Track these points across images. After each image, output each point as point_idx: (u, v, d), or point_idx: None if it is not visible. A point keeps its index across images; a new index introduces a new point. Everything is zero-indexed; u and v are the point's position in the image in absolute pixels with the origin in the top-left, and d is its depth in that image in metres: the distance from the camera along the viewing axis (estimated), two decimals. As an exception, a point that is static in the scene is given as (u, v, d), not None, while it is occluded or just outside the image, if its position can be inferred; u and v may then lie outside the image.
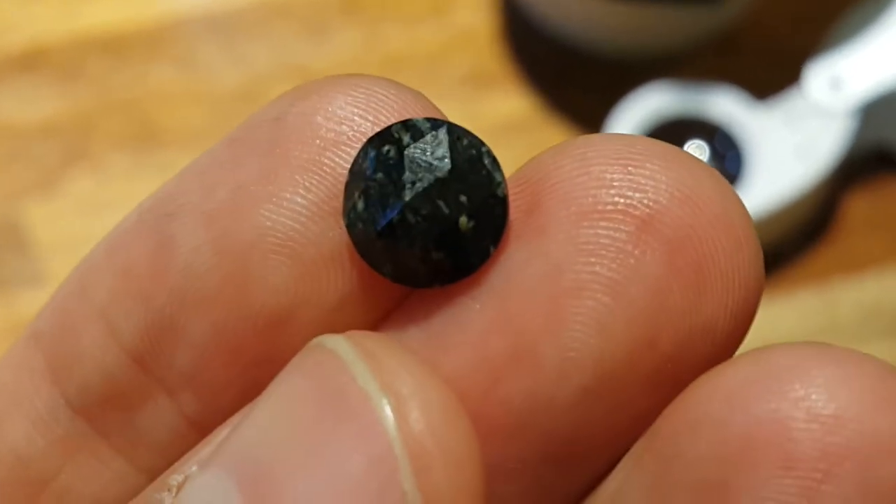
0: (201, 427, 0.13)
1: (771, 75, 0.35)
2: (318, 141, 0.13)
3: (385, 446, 0.11)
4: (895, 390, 0.11)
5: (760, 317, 0.38)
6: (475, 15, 0.38)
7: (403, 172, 0.12)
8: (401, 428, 0.11)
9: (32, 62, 0.37)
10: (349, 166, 0.13)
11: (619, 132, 0.33)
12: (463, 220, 0.12)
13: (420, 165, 0.12)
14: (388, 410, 0.11)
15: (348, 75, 0.13)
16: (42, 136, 0.36)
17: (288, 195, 0.13)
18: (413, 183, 0.12)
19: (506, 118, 0.36)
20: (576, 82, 0.37)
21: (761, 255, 0.12)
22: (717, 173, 0.12)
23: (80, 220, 0.35)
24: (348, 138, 0.13)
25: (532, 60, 0.37)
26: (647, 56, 0.36)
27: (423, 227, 0.12)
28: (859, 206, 0.35)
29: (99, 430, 0.14)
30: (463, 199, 0.12)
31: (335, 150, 0.13)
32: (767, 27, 0.37)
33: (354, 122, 0.13)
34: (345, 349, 0.12)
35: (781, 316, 0.34)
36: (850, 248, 0.35)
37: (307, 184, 0.13)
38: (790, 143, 0.33)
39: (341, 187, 0.13)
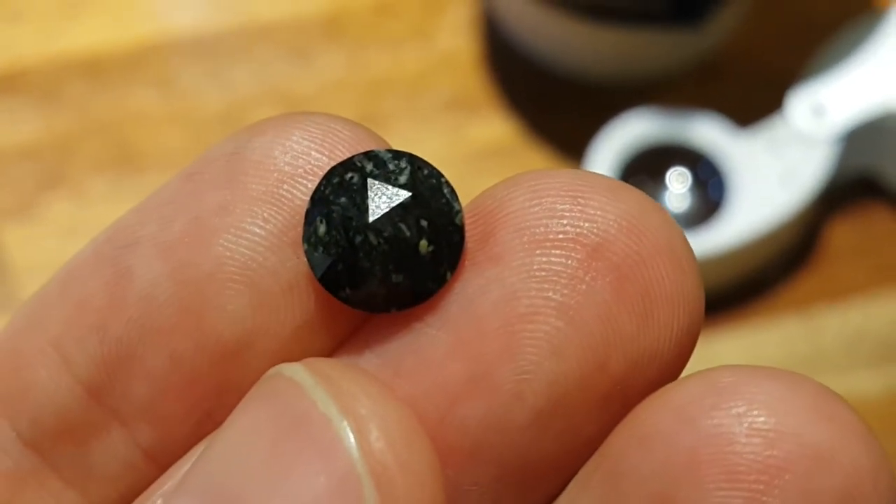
0: (156, 459, 0.14)
1: (753, 102, 0.35)
2: (275, 174, 0.13)
3: (348, 466, 0.11)
4: (831, 407, 0.12)
5: (744, 343, 0.38)
6: (458, 39, 0.38)
7: (367, 197, 0.13)
8: (362, 448, 0.11)
9: (11, 84, 0.37)
10: (306, 198, 0.13)
11: (600, 159, 0.33)
12: (423, 243, 0.13)
13: (383, 191, 0.13)
14: (348, 432, 0.11)
15: (303, 112, 0.13)
16: (20, 159, 0.36)
17: (246, 226, 0.13)
18: (376, 206, 0.13)
19: (488, 143, 0.36)
20: (558, 107, 0.37)
21: (702, 283, 0.13)
22: (660, 206, 0.13)
23: (58, 243, 0.35)
24: (305, 171, 0.13)
25: (515, 85, 0.37)
26: (630, 81, 0.36)
27: (384, 248, 0.13)
28: (843, 234, 0.35)
29: (50, 463, 0.14)
30: (424, 223, 0.13)
31: (292, 182, 0.13)
32: (750, 54, 0.37)
33: (311, 156, 0.13)
34: (303, 376, 0.12)
35: (765, 343, 0.34)
36: (834, 276, 0.35)
37: (265, 215, 0.13)
38: (773, 171, 0.33)
39: (298, 219, 0.13)
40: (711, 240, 0.32)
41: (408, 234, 0.13)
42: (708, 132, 0.33)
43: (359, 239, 0.13)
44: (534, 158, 0.36)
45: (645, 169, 0.33)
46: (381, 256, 0.13)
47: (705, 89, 0.36)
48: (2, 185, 0.35)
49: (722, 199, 0.33)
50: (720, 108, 0.34)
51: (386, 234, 0.13)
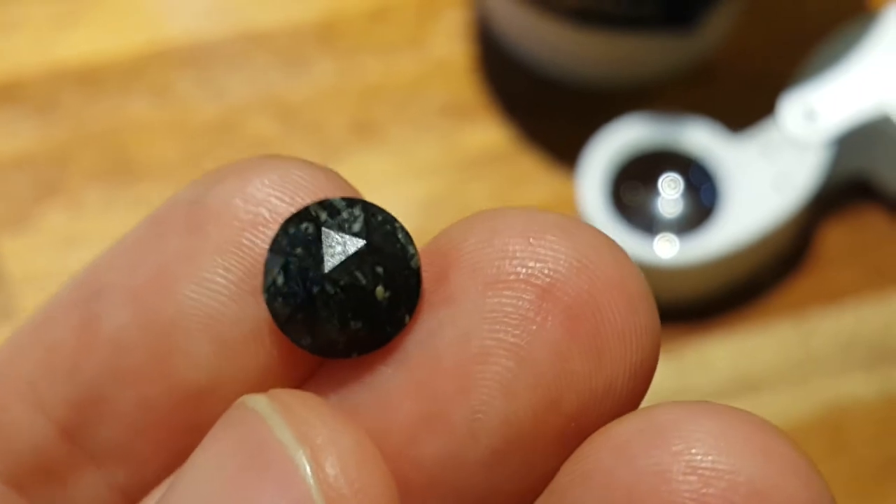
0: (130, 497, 0.14)
1: (745, 107, 0.35)
2: (236, 222, 0.13)
3: (304, 493, 0.12)
4: (770, 443, 0.12)
5: (738, 348, 0.38)
6: (452, 46, 0.38)
7: (322, 247, 0.13)
8: (317, 475, 0.12)
9: (7, 94, 0.37)
10: (265, 246, 0.13)
11: (593, 165, 0.33)
12: (379, 290, 0.13)
13: (337, 240, 0.13)
14: (304, 460, 0.12)
15: (263, 157, 0.14)
16: (16, 169, 0.36)
17: (208, 275, 0.13)
18: (331, 256, 0.13)
19: (482, 149, 0.36)
20: (552, 113, 0.37)
21: (657, 317, 0.13)
22: (613, 241, 0.13)
23: (54, 254, 0.35)
24: (265, 219, 0.13)
25: (508, 91, 0.37)
26: (623, 87, 0.36)
27: (341, 297, 0.13)
28: (836, 237, 0.35)
29: (30, 501, 0.14)
30: (379, 270, 0.13)
31: (253, 231, 0.13)
32: (741, 59, 0.37)
33: (271, 203, 0.13)
34: (262, 405, 0.12)
35: (758, 347, 0.34)
36: (827, 279, 0.35)
37: (227, 264, 0.13)
38: (766, 175, 0.33)
39: (259, 267, 0.13)
40: (704, 245, 0.32)
41: (363, 281, 0.13)
42: (700, 137, 0.33)
43: (316, 289, 0.13)
44: (527, 164, 0.36)
45: (637, 174, 0.33)
46: (338, 305, 0.13)
47: (697, 94, 0.36)
48: (-2, 194, 0.35)
49: (714, 204, 0.33)
50: (712, 113, 0.34)
51: (342, 283, 0.13)
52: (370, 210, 0.13)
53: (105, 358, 0.13)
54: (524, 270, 0.13)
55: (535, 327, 0.13)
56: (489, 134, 0.37)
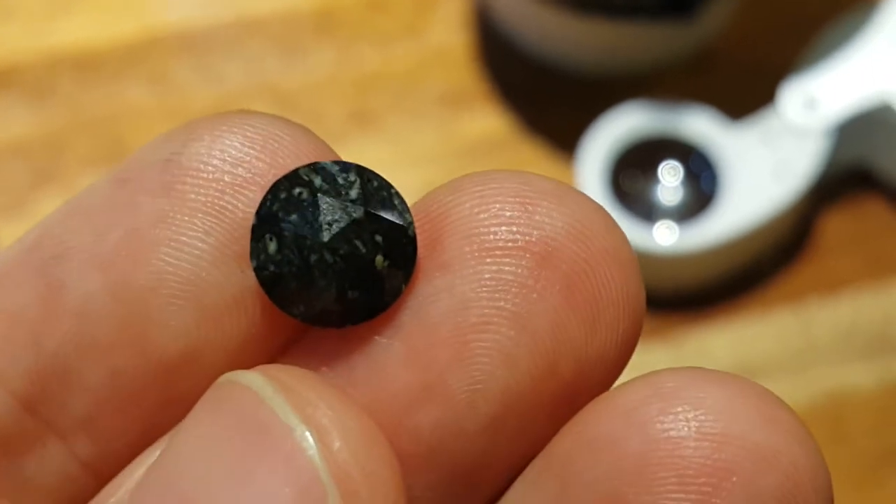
0: (96, 470, 0.13)
1: (745, 95, 0.35)
2: (214, 183, 0.13)
3: (312, 476, 0.11)
4: (774, 410, 0.12)
5: (737, 337, 0.38)
6: (450, 34, 0.38)
7: (319, 214, 0.12)
8: (325, 458, 0.11)
9: (2, 81, 0.37)
10: (248, 209, 0.13)
11: (592, 153, 0.33)
12: (379, 258, 0.13)
13: (335, 207, 0.12)
14: (311, 442, 0.11)
15: (238, 112, 0.13)
16: (12, 156, 0.36)
17: (187, 239, 0.13)
18: (330, 224, 0.12)
19: (481, 137, 0.36)
20: (551, 101, 0.37)
21: (643, 284, 0.13)
22: (604, 209, 0.13)
23: (50, 240, 0.34)
24: (245, 181, 0.13)
25: (507, 79, 0.37)
26: (623, 74, 0.36)
27: (340, 266, 0.12)
28: (836, 226, 0.35)
29: None
30: (378, 238, 0.13)
31: (233, 192, 0.13)
32: (742, 46, 0.37)
33: (251, 164, 0.13)
34: (260, 384, 0.12)
35: (757, 335, 0.34)
36: (827, 268, 0.35)
37: (206, 227, 0.13)
38: (766, 163, 0.33)
39: (241, 231, 0.13)
40: (704, 233, 0.32)
41: (363, 250, 0.13)
42: (700, 125, 0.33)
43: (314, 258, 0.12)
44: (526, 152, 0.36)
45: (637, 162, 0.33)
46: (337, 275, 0.13)
47: (697, 82, 0.36)
48: (-7, 181, 0.35)
49: (714, 192, 0.33)
50: (712, 101, 0.34)
51: (342, 252, 0.13)
52: (365, 175, 0.13)
53: (71, 328, 0.13)
54: (522, 238, 0.13)
55: (535, 296, 0.13)
56: (488, 122, 0.36)
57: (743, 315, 0.34)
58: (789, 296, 0.34)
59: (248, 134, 0.13)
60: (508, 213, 0.13)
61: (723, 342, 0.34)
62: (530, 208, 0.13)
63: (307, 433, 0.12)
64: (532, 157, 0.36)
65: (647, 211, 0.33)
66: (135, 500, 0.12)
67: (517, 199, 0.13)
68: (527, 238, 0.13)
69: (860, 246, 0.35)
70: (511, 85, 0.37)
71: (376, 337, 0.13)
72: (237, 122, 0.13)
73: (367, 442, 0.12)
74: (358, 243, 0.13)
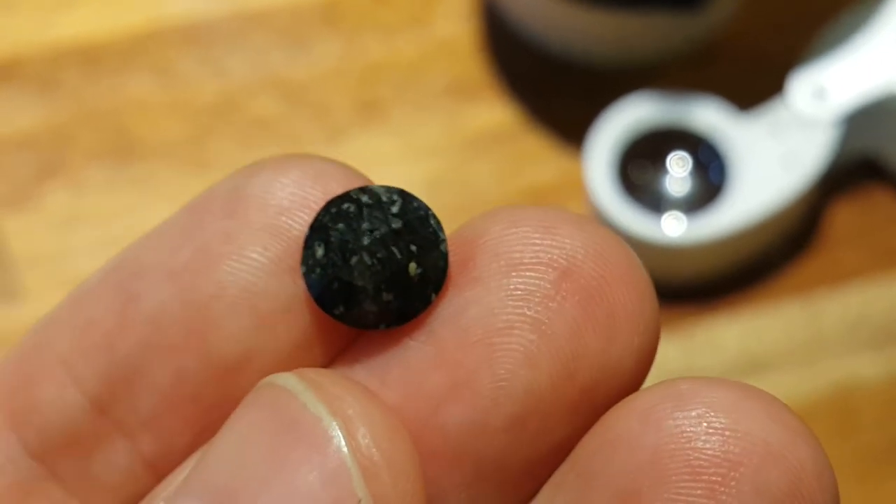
0: (157, 468, 0.15)
1: (754, 85, 0.35)
2: (273, 207, 0.14)
3: (339, 462, 0.13)
4: (780, 412, 0.13)
5: (745, 328, 0.38)
6: (456, 25, 0.38)
7: (363, 223, 0.14)
8: (350, 445, 0.13)
9: (8, 74, 0.37)
10: (301, 228, 0.14)
11: (600, 144, 0.33)
12: (412, 266, 0.14)
13: (377, 218, 0.14)
14: (338, 431, 0.13)
15: (297, 154, 0.15)
16: (18, 149, 0.36)
17: (247, 253, 0.14)
18: (371, 231, 0.14)
19: (487, 128, 0.36)
20: (558, 92, 0.36)
21: (658, 306, 0.15)
22: (621, 239, 0.14)
23: (56, 233, 0.34)
24: (300, 205, 0.14)
25: (513, 70, 0.37)
26: (630, 65, 0.36)
27: (377, 268, 0.14)
28: (844, 217, 0.35)
29: (55, 474, 0.15)
30: (413, 248, 0.14)
31: (289, 214, 0.14)
32: (750, 37, 0.37)
33: (306, 191, 0.14)
34: (293, 383, 0.13)
35: (766, 327, 0.34)
36: (835, 259, 0.34)
37: (264, 243, 0.14)
38: (774, 154, 0.33)
39: (295, 247, 0.14)
40: (712, 224, 0.32)
41: (399, 256, 0.14)
42: (708, 116, 0.33)
43: (354, 259, 0.14)
44: (533, 144, 0.36)
45: (645, 153, 0.33)
46: (374, 276, 0.14)
47: (705, 73, 0.36)
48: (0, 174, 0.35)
49: (723, 182, 0.33)
50: (720, 92, 0.34)
51: (379, 256, 0.14)
52: (407, 197, 0.14)
53: (143, 334, 0.14)
54: (546, 255, 0.14)
55: (554, 305, 0.14)
56: (494, 113, 0.36)
57: (751, 306, 0.34)
58: (797, 287, 0.34)
59: (306, 170, 0.14)
60: (534, 236, 0.14)
61: (731, 333, 0.33)
62: (554, 231, 0.14)
63: (334, 423, 0.13)
64: (539, 149, 0.36)
65: (655, 202, 0.33)
66: (179, 494, 0.13)
67: (542, 225, 0.14)
68: (549, 256, 0.14)
69: (868, 237, 0.35)
70: (517, 76, 0.37)
71: (409, 341, 0.14)
72: (296, 160, 0.15)
73: (389, 432, 0.13)
74: (394, 249, 0.14)
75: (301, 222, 0.14)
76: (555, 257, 0.14)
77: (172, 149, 0.36)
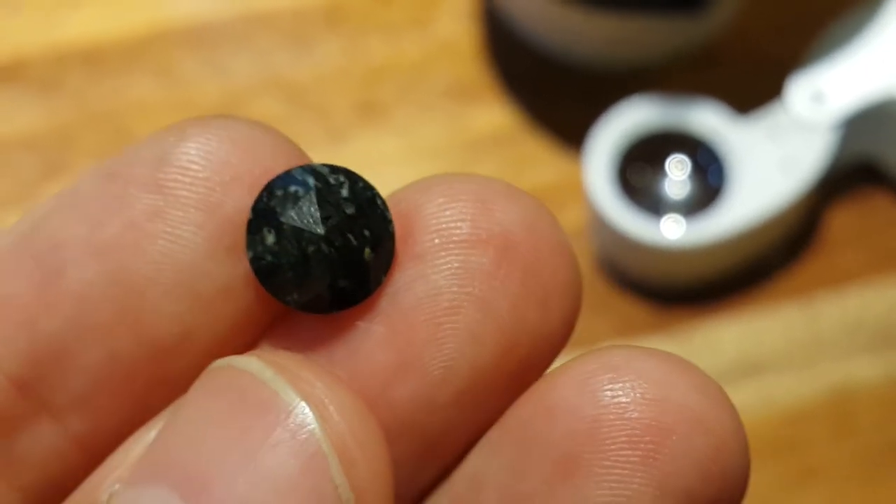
0: (86, 446, 0.14)
1: (753, 89, 0.35)
2: (204, 181, 0.14)
3: (315, 447, 0.13)
4: (702, 381, 0.14)
5: (744, 330, 0.38)
6: (457, 27, 0.38)
7: (315, 210, 0.14)
8: (325, 430, 0.13)
9: (11, 75, 0.37)
10: (235, 205, 0.14)
11: (599, 146, 0.33)
12: (367, 251, 0.14)
13: (330, 204, 0.14)
14: (311, 416, 0.13)
15: (224, 117, 0.14)
16: (21, 149, 0.36)
17: (181, 232, 0.14)
18: (326, 219, 0.14)
19: (488, 130, 0.36)
20: (558, 94, 0.37)
21: (580, 271, 0.15)
22: (548, 209, 0.15)
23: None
24: (232, 179, 0.14)
25: (514, 72, 0.37)
26: (630, 68, 0.36)
27: (334, 256, 0.14)
28: (843, 220, 0.35)
29: None
30: (367, 233, 0.14)
31: (222, 190, 0.14)
32: (749, 40, 0.37)
33: (237, 165, 0.14)
34: (258, 367, 0.13)
35: (765, 329, 0.34)
36: (834, 262, 0.35)
37: (198, 221, 0.14)
38: (773, 157, 0.33)
39: (228, 225, 0.14)
40: (711, 227, 0.32)
41: (355, 243, 0.14)
42: (707, 119, 0.33)
43: (311, 249, 0.14)
44: (533, 146, 0.36)
45: (644, 156, 0.33)
46: (330, 265, 0.14)
47: (704, 76, 0.36)
48: (3, 174, 0.35)
49: (721, 185, 0.33)
50: (719, 95, 0.34)
51: (337, 245, 0.14)
52: (352, 177, 0.14)
53: (69, 312, 0.14)
54: (484, 232, 0.14)
55: (497, 283, 0.14)
56: (495, 115, 0.36)
57: (750, 309, 0.34)
58: (796, 290, 0.34)
59: (234, 137, 0.14)
60: (471, 211, 0.14)
61: (730, 336, 0.34)
62: (490, 206, 0.14)
63: (307, 409, 0.13)
64: (539, 151, 0.36)
65: (654, 205, 0.33)
66: (140, 481, 0.13)
67: (478, 199, 0.14)
68: (489, 232, 0.14)
69: (867, 240, 0.35)
70: (518, 78, 0.37)
71: (358, 322, 0.14)
72: (222, 126, 0.14)
73: (359, 416, 0.13)
74: (350, 237, 0.14)
75: (234, 199, 0.14)
76: (494, 234, 0.14)
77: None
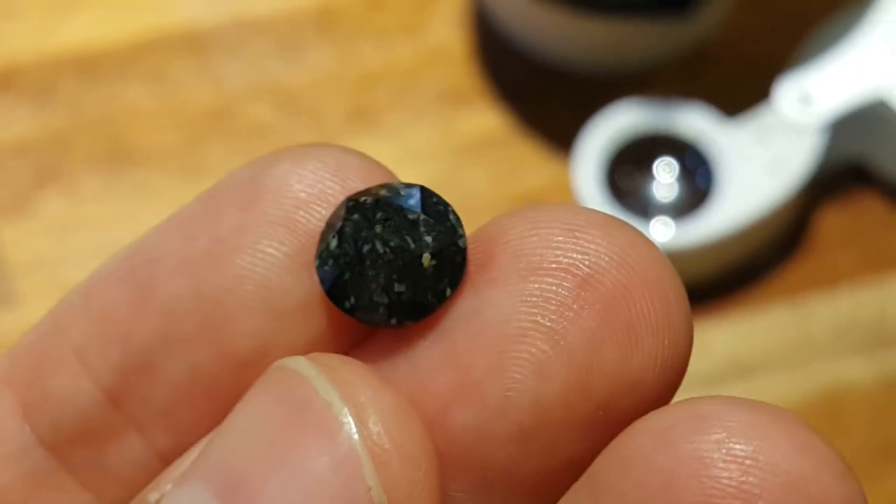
0: (170, 461, 0.14)
1: (741, 92, 0.35)
2: (291, 200, 0.14)
3: (349, 448, 0.12)
4: (808, 440, 0.12)
5: (735, 332, 0.38)
6: (449, 32, 0.38)
7: (377, 213, 0.14)
8: (361, 432, 0.12)
9: (5, 82, 0.37)
10: (318, 223, 0.14)
11: (588, 150, 0.33)
12: (426, 256, 0.14)
13: (392, 207, 0.14)
14: (349, 417, 0.12)
15: (317, 144, 0.14)
16: (14, 156, 0.36)
17: (262, 247, 0.14)
18: (385, 220, 0.14)
19: (480, 134, 0.36)
20: (549, 99, 0.37)
21: (691, 318, 0.14)
22: (652, 242, 0.14)
23: (53, 240, 0.35)
24: (318, 199, 0.14)
25: (505, 77, 0.37)
26: (619, 72, 0.36)
27: (389, 257, 0.14)
28: (832, 221, 0.35)
29: (67, 465, 0.15)
30: (428, 239, 0.14)
31: (306, 208, 0.14)
32: (737, 44, 0.37)
33: (325, 184, 0.14)
34: (305, 366, 0.13)
35: (755, 331, 0.34)
36: (824, 263, 0.35)
37: (281, 238, 0.14)
38: (761, 160, 0.33)
39: (310, 243, 0.14)
40: (700, 229, 0.33)
41: (412, 246, 0.14)
42: (695, 122, 0.34)
43: (366, 248, 0.14)
44: (524, 150, 0.36)
45: (633, 159, 0.33)
46: (385, 265, 0.14)
47: (693, 79, 0.36)
48: (-3, 181, 0.36)
49: (710, 188, 0.33)
50: (708, 98, 0.34)
51: (392, 244, 0.13)
52: (426, 192, 0.14)
53: (157, 325, 0.14)
54: (566, 260, 0.13)
55: (571, 314, 0.13)
56: (486, 120, 0.37)
57: (740, 310, 0.34)
58: (787, 291, 0.34)
59: (324, 160, 0.14)
60: (557, 239, 0.13)
61: (720, 338, 0.34)
62: (578, 235, 0.13)
63: (345, 409, 0.12)
64: (529, 155, 0.36)
65: (642, 207, 0.33)
66: (187, 477, 0.13)
67: (567, 227, 0.13)
68: (570, 261, 0.13)
69: (857, 241, 0.35)
70: (509, 83, 0.37)
71: (420, 340, 0.14)
72: (315, 152, 0.14)
73: (401, 419, 0.13)
74: (408, 238, 0.14)
75: (318, 217, 0.14)
76: (576, 262, 0.13)
77: (168, 156, 0.36)
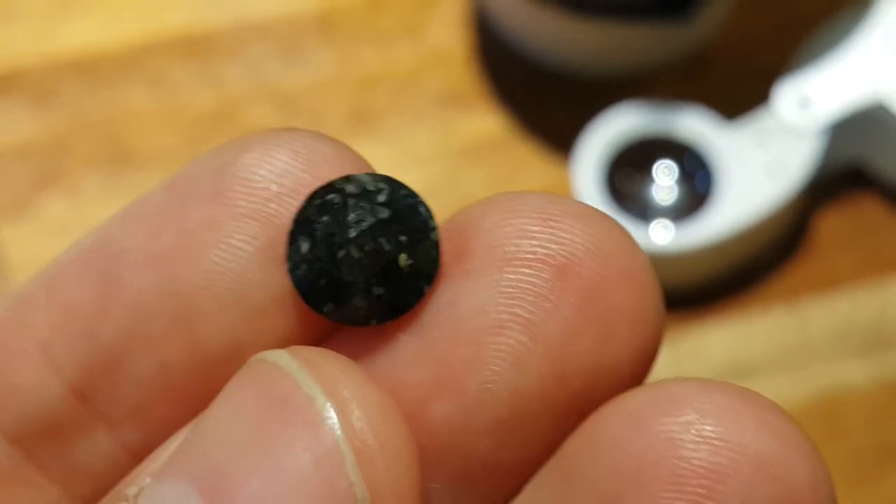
0: (141, 456, 0.14)
1: (740, 95, 0.35)
2: (261, 192, 0.14)
3: (331, 443, 0.12)
4: (776, 421, 0.12)
5: (733, 334, 0.38)
6: (449, 35, 0.38)
7: (348, 215, 0.13)
8: (344, 426, 0.12)
9: (6, 85, 0.37)
10: (289, 216, 0.13)
11: (588, 153, 0.33)
12: (402, 257, 0.13)
13: (363, 209, 0.13)
14: (332, 411, 0.12)
15: (287, 130, 0.14)
16: (15, 159, 0.36)
17: (234, 242, 0.13)
18: (357, 223, 0.13)
19: (479, 137, 0.37)
20: (549, 101, 0.37)
21: (663, 307, 0.14)
22: (627, 232, 0.14)
23: (53, 242, 0.35)
24: (290, 190, 0.14)
25: (505, 80, 0.37)
26: (619, 75, 0.37)
27: (365, 261, 0.13)
28: (831, 224, 0.35)
29: (35, 460, 0.14)
30: (402, 238, 0.13)
31: (278, 201, 0.14)
32: (736, 47, 0.37)
33: (296, 175, 0.14)
34: (286, 360, 0.13)
35: (753, 334, 0.34)
36: (822, 266, 0.35)
37: (252, 232, 0.13)
38: (760, 163, 0.33)
39: (282, 236, 0.14)
40: (699, 232, 0.33)
41: (387, 248, 0.13)
42: (695, 125, 0.34)
43: (341, 254, 0.13)
44: (524, 152, 0.36)
45: (632, 162, 0.33)
46: (362, 270, 0.13)
47: (692, 82, 0.36)
48: (-3, 184, 0.36)
49: (709, 191, 0.33)
50: (707, 101, 0.34)
51: (367, 249, 0.13)
52: (394, 184, 0.14)
53: (125, 321, 0.14)
54: (542, 250, 0.13)
55: (548, 305, 0.13)
56: (486, 122, 0.37)
57: (739, 313, 0.34)
58: (785, 294, 0.34)
59: (295, 148, 0.14)
60: (532, 228, 0.13)
61: (719, 340, 0.34)
62: (553, 224, 0.13)
63: (328, 403, 0.12)
64: (529, 157, 0.36)
65: (642, 210, 0.33)
66: (166, 471, 0.13)
67: (541, 216, 0.13)
68: (546, 251, 0.13)
69: (856, 243, 0.35)
70: (509, 85, 0.37)
71: (399, 334, 0.13)
72: (285, 138, 0.14)
73: (384, 413, 0.12)
74: (383, 241, 0.13)
75: (290, 209, 0.14)
76: (552, 253, 0.13)
77: (169, 158, 0.36)
